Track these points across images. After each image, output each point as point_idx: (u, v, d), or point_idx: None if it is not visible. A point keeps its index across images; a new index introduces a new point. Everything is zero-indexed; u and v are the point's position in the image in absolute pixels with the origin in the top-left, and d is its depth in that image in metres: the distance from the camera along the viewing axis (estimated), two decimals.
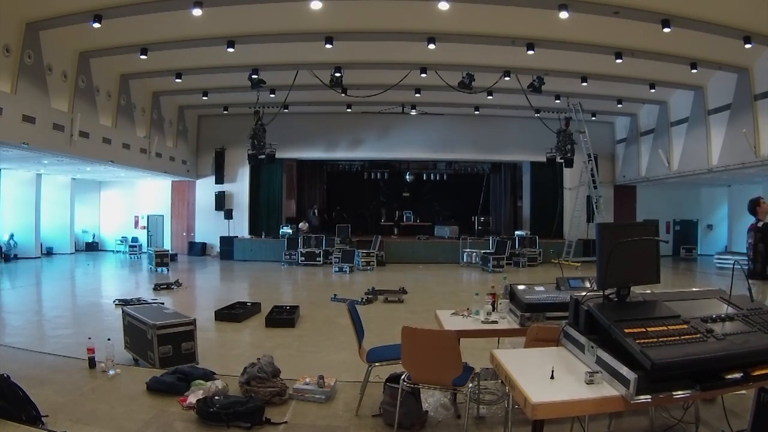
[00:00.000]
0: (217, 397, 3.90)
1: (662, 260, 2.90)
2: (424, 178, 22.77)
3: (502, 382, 2.96)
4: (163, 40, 10.96)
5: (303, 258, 15.98)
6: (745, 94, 12.23)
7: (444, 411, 3.90)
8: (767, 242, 5.25)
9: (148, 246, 18.59)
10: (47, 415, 3.66)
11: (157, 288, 10.72)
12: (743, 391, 3.25)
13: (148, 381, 4.42)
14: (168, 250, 15.33)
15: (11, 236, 16.32)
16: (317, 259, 15.96)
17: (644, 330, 2.24)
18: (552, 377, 2.26)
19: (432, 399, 4.04)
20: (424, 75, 12.90)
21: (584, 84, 13.59)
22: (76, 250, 18.99)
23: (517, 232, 17.92)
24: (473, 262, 15.91)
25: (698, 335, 2.25)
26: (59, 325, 7.55)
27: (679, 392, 2.12)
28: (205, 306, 9.16)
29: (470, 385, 3.53)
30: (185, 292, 10.84)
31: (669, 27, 9.47)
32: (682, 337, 2.22)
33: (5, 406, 3.43)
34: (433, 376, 3.51)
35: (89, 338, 5.12)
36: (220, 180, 18.87)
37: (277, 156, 16.71)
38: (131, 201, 20.24)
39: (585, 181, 17.29)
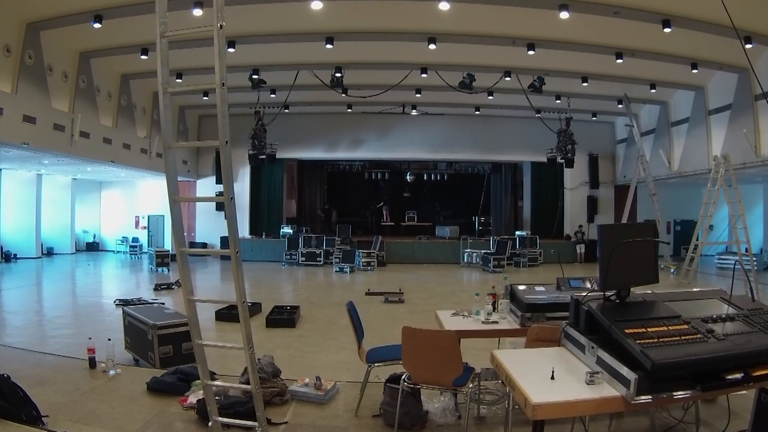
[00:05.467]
0: (217, 398, 3.89)
1: (663, 261, 2.90)
2: (425, 178, 22.77)
3: (502, 382, 2.96)
4: None
5: (303, 258, 16.00)
6: (745, 95, 12.22)
7: (450, 416, 3.89)
8: None
9: (148, 246, 18.60)
10: (47, 415, 3.66)
11: (158, 288, 10.72)
12: (744, 392, 3.24)
13: (148, 381, 4.42)
14: (168, 250, 15.32)
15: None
16: (318, 259, 15.97)
17: (644, 330, 2.24)
18: (552, 377, 2.26)
19: (439, 405, 4.03)
20: (424, 75, 12.90)
21: (584, 84, 13.59)
22: (76, 250, 19.00)
23: (517, 233, 17.91)
24: (474, 262, 15.91)
25: (699, 335, 2.25)
26: (60, 325, 7.56)
27: (680, 393, 2.12)
28: (205, 306, 9.15)
29: (470, 385, 3.52)
30: None
31: (669, 27, 9.47)
32: (683, 338, 2.22)
33: (5, 406, 3.43)
34: (434, 376, 3.51)
35: (90, 338, 5.12)
36: (220, 180, 18.87)
37: (277, 156, 16.76)
38: (132, 201, 20.25)
39: (625, 178, 16.59)
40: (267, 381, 4.21)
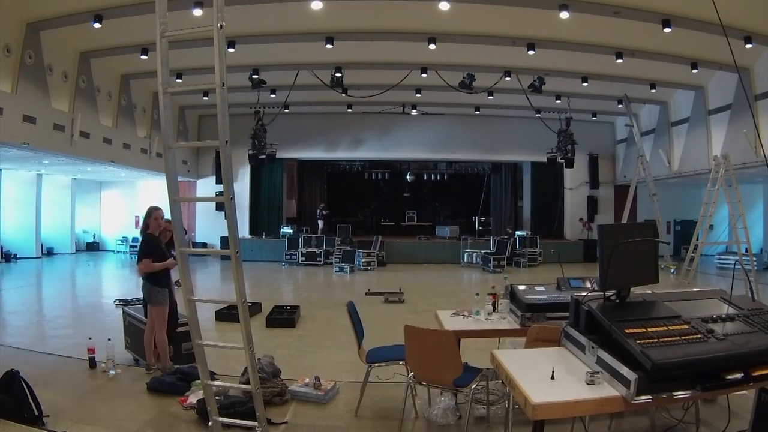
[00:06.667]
0: (217, 398, 3.89)
1: (663, 261, 2.90)
2: (425, 178, 22.77)
3: (502, 382, 2.96)
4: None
5: (304, 258, 16.00)
6: (745, 95, 12.20)
7: (450, 416, 3.89)
8: None
9: None
10: (48, 416, 3.66)
11: None
12: (744, 392, 3.24)
13: (148, 381, 4.43)
14: None
15: None
16: (318, 259, 15.97)
17: (645, 330, 2.24)
18: (552, 377, 2.26)
19: (439, 405, 4.02)
20: (424, 75, 12.88)
21: (584, 84, 13.59)
22: (76, 251, 18.99)
23: (517, 233, 17.91)
24: (474, 262, 15.91)
25: (699, 335, 2.25)
26: (60, 325, 7.56)
27: (680, 393, 2.12)
28: (205, 306, 9.14)
29: (473, 386, 3.52)
30: None
31: (669, 27, 9.46)
32: (683, 338, 2.22)
33: (8, 402, 3.43)
34: (434, 375, 3.52)
35: (90, 338, 5.12)
36: (220, 180, 18.86)
37: (277, 156, 16.75)
38: (132, 201, 20.22)
39: (625, 179, 16.58)
40: (267, 381, 4.21)
